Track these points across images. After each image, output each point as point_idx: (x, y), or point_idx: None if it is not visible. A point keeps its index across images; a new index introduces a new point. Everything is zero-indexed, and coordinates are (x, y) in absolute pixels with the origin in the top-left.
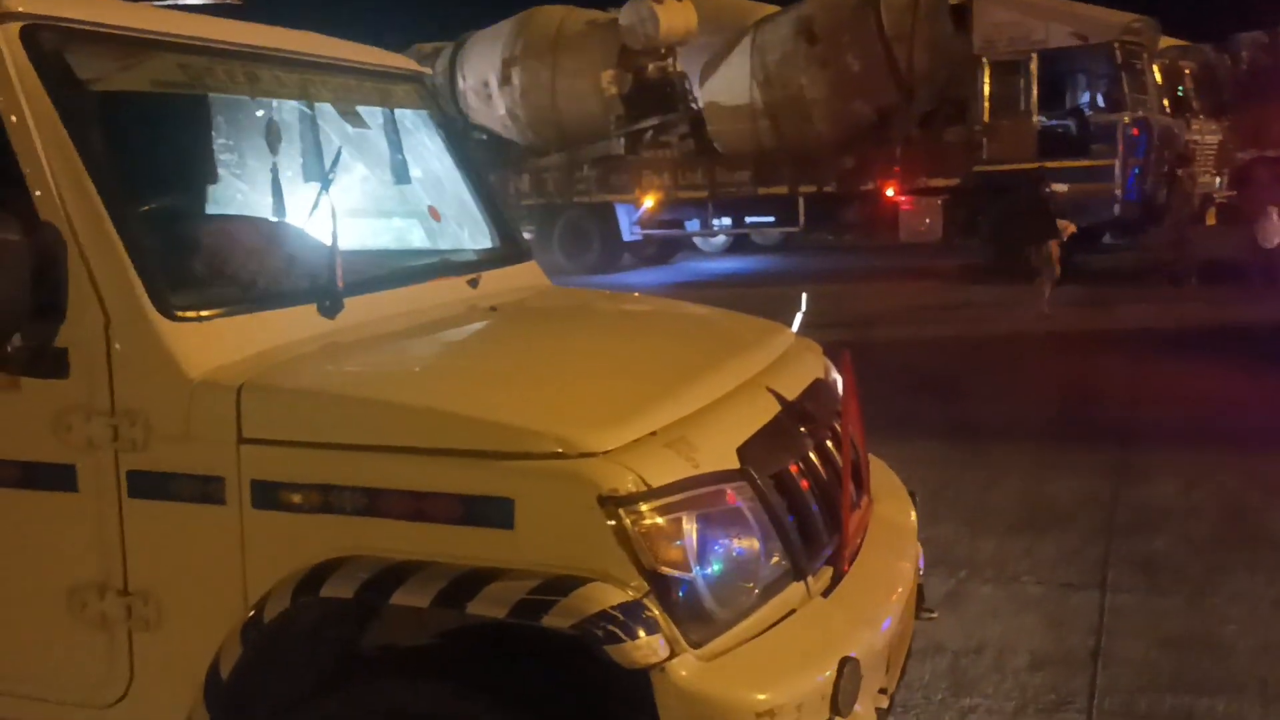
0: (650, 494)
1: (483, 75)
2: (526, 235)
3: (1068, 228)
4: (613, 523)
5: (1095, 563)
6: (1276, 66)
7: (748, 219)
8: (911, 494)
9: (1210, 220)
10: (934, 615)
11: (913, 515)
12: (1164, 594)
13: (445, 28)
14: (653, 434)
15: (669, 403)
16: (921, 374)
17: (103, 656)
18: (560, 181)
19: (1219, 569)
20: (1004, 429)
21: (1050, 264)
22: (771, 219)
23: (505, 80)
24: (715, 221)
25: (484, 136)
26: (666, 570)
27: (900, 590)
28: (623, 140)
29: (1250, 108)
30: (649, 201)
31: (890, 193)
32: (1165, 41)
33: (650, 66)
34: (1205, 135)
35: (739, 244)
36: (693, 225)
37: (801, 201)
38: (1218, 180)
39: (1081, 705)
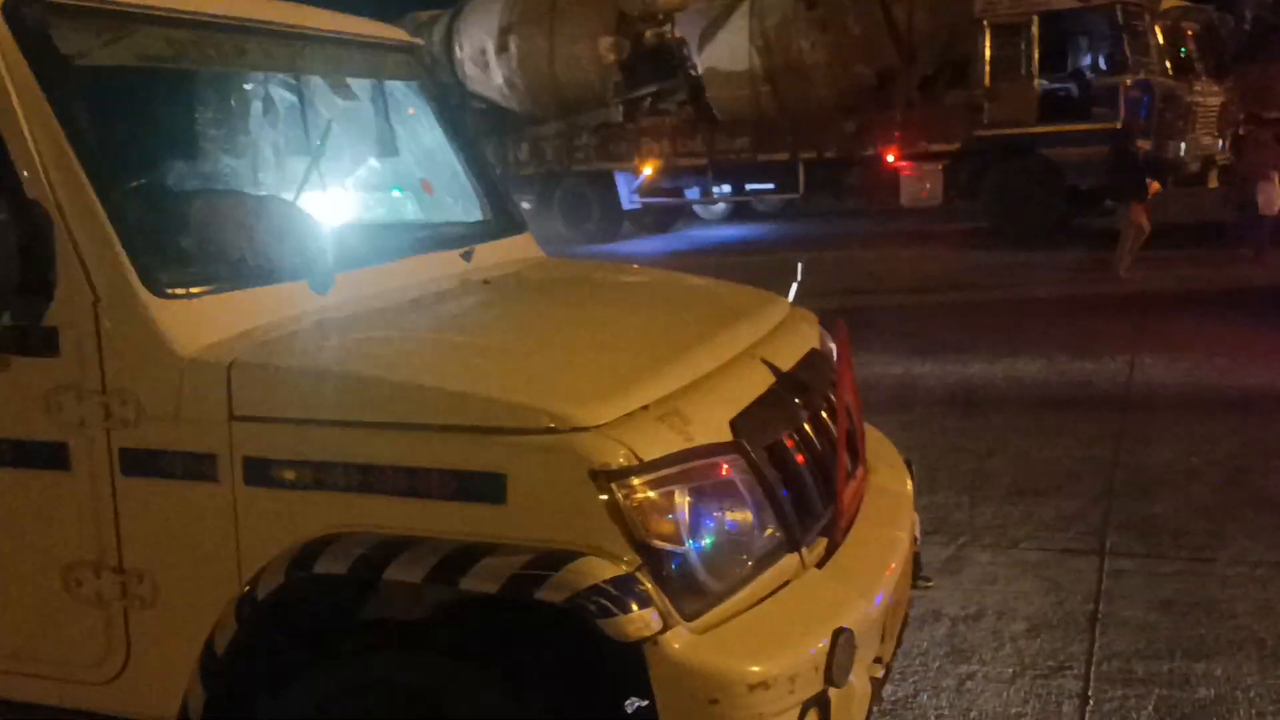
0: (642, 468)
1: (480, 44)
2: (525, 205)
3: (1153, 186)
4: (605, 497)
5: (1094, 527)
6: (1279, 27)
7: (748, 186)
8: (908, 462)
9: (1212, 182)
10: (931, 584)
11: (909, 484)
12: (1163, 558)
13: None
14: (645, 407)
15: (661, 376)
16: (923, 340)
17: (99, 634)
18: (559, 150)
19: (1218, 533)
20: (1005, 394)
21: (1130, 225)
22: (772, 185)
23: (502, 48)
24: (715, 189)
25: (482, 105)
26: (659, 543)
27: (895, 560)
28: (621, 108)
29: (1253, 69)
30: (648, 169)
31: (891, 158)
32: (1168, 2)
33: (648, 33)
34: (1207, 97)
35: (739, 211)
36: (692, 193)
37: (802, 167)
38: (1219, 142)
39: (1079, 670)
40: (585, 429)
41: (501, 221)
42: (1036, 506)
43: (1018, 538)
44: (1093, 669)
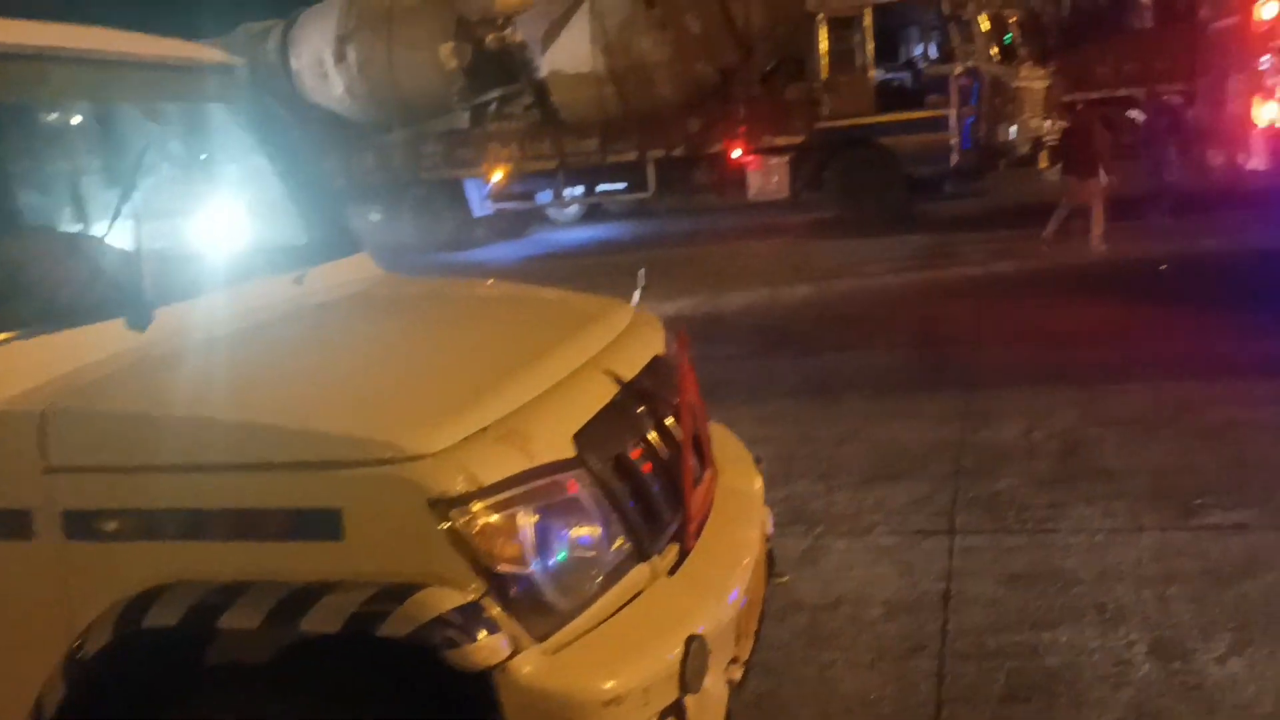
0: (483, 492)
1: (317, 53)
2: (375, 216)
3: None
4: (445, 525)
5: (944, 508)
6: (1096, 11)
7: (598, 187)
8: (757, 459)
9: (1042, 164)
10: (785, 580)
11: (758, 482)
12: (1009, 533)
13: (275, 5)
14: (484, 429)
15: (500, 394)
16: (776, 332)
17: None
18: (405, 159)
19: (1059, 504)
20: (857, 382)
21: (1095, 197)
22: (622, 186)
23: (341, 57)
24: (566, 191)
25: (323, 117)
26: (504, 568)
27: (747, 560)
28: (467, 114)
29: (1073, 52)
30: (498, 174)
31: (737, 153)
32: None
33: (489, 37)
34: (1033, 81)
35: (592, 212)
36: (544, 196)
37: (651, 167)
38: (1047, 124)
39: (934, 650)
40: (421, 456)
41: (335, 242)
42: (889, 491)
43: (872, 523)
44: (946, 647)
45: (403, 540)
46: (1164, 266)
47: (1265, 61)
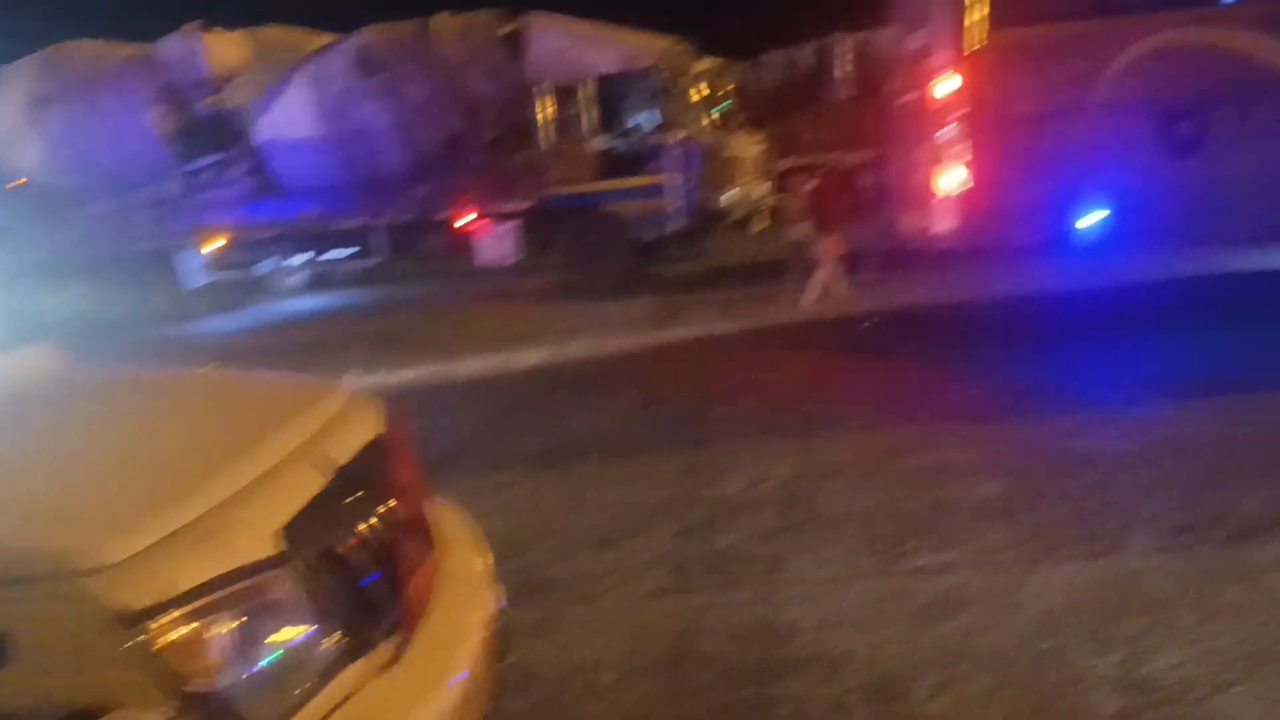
0: (173, 602)
1: (10, 118)
2: (80, 292)
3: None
4: (130, 643)
5: (675, 566)
6: (801, 82)
7: (324, 255)
8: (484, 536)
9: (758, 225)
10: (514, 660)
11: (484, 562)
12: (735, 588)
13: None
14: (175, 533)
15: (195, 493)
16: (509, 398)
17: None
18: (113, 230)
19: (781, 555)
20: (590, 444)
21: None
22: (349, 253)
23: (37, 122)
24: (289, 260)
25: (19, 186)
26: (199, 683)
27: (472, 644)
28: (179, 181)
29: (783, 120)
30: (214, 244)
31: (465, 220)
32: (703, 64)
33: (202, 102)
34: (747, 148)
35: (320, 281)
36: (266, 265)
37: (378, 233)
38: (760, 189)
39: (668, 714)
40: (100, 569)
41: (8, 331)
42: (621, 554)
43: (606, 588)
44: (679, 708)
45: (84, 661)
46: (868, 323)
47: (944, 134)
